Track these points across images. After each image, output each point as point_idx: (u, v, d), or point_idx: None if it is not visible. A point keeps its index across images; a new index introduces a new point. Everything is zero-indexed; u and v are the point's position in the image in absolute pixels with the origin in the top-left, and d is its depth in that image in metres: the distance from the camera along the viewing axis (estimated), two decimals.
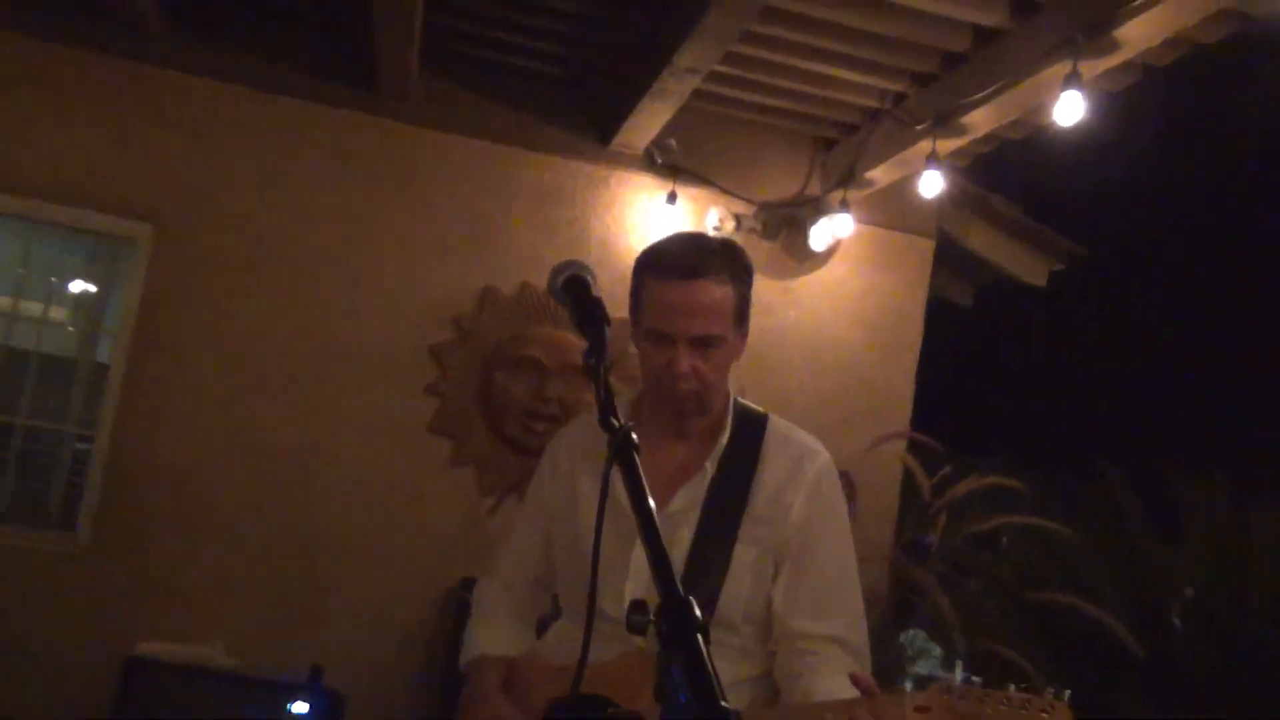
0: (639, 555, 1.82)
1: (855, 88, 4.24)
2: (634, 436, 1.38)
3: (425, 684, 4.41)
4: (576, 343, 4.60)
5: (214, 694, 3.58)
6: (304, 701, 3.60)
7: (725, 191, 4.78)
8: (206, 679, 3.63)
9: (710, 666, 1.08)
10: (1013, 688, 1.43)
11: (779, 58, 4.06)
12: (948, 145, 3.89)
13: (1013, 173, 4.76)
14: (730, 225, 4.75)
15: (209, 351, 4.41)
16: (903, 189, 4.60)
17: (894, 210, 4.87)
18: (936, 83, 3.93)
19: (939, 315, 5.43)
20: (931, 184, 3.83)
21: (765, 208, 4.83)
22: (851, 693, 1.60)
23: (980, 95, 3.57)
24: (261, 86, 4.47)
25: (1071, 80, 3.04)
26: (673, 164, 4.71)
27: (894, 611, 3.82)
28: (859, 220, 4.68)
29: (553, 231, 4.70)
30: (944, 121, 3.77)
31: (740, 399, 2.00)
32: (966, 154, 4.56)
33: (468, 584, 4.39)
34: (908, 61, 3.92)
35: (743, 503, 1.88)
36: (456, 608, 4.35)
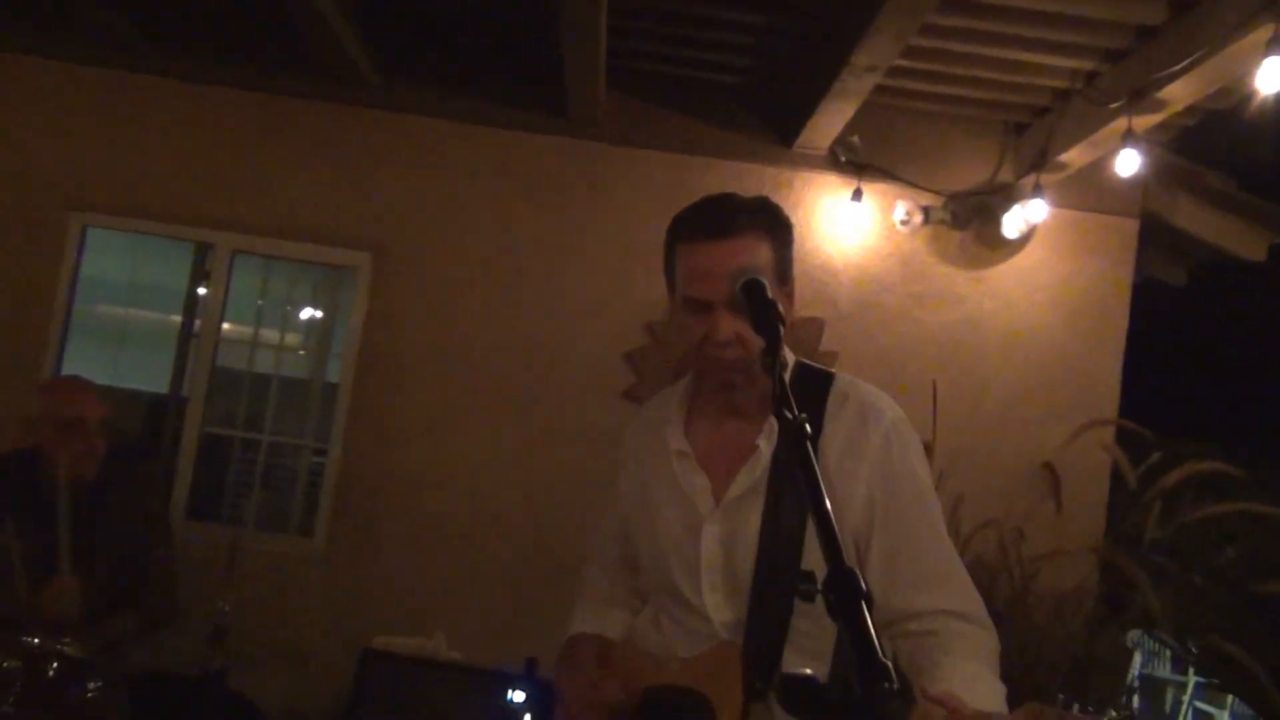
0: (709, 542, 1.79)
1: (1044, 70, 4.13)
2: (808, 428, 1.37)
3: None
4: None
5: (440, 683, 3.85)
6: (521, 690, 3.81)
7: (912, 184, 4.74)
8: (434, 670, 3.91)
9: (873, 633, 1.11)
10: (1112, 713, 1.38)
11: (961, 47, 4.01)
12: (1144, 121, 3.73)
13: (1222, 145, 4.50)
14: (919, 218, 4.71)
15: (426, 367, 4.74)
16: (1100, 170, 4.43)
17: (1092, 192, 4.70)
18: (1129, 58, 3.79)
19: (1150, 297, 5.19)
20: (1129, 162, 3.69)
21: (955, 198, 4.76)
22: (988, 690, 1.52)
23: (1176, 68, 3.41)
24: (465, 120, 4.78)
25: (1274, 45, 2.89)
26: (857, 161, 4.71)
27: (1106, 608, 3.68)
28: (1055, 205, 4.54)
29: None
30: (1139, 97, 3.63)
31: (805, 360, 1.88)
32: (1168, 128, 4.35)
33: None
34: (1098, 39, 3.79)
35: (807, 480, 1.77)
36: None
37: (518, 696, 3.83)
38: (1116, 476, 4.38)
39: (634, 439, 2.05)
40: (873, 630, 1.13)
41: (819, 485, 1.34)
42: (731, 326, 1.71)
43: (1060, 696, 1.41)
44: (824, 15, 3.87)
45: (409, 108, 4.77)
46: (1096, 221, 4.81)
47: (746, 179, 4.79)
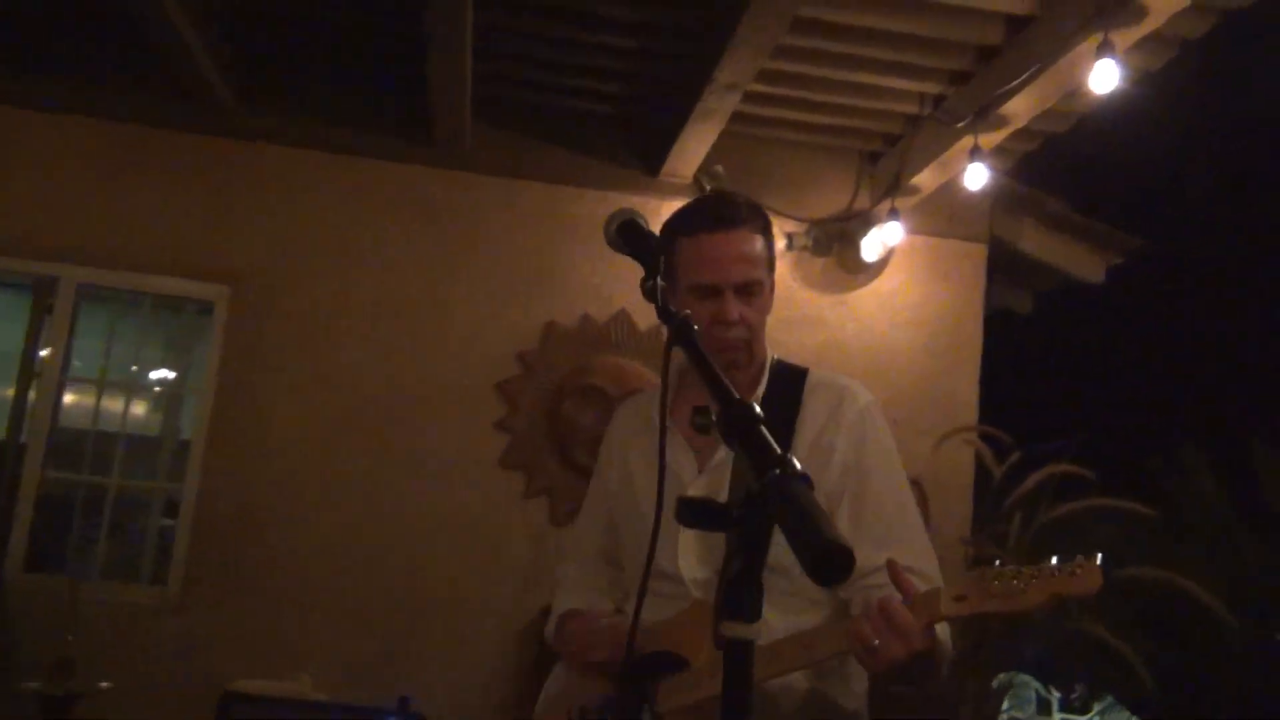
0: None
1: (894, 94, 4.34)
2: (694, 325, 1.45)
3: (509, 713, 4.44)
4: (639, 370, 4.70)
5: None
6: None
7: (775, 212, 4.85)
8: (300, 708, 3.69)
9: (769, 440, 1.20)
10: (1055, 560, 1.47)
11: (816, 70, 4.18)
12: (991, 140, 3.94)
13: (1061, 170, 4.79)
14: (783, 243, 4.83)
15: (289, 402, 4.58)
16: (951, 194, 4.66)
17: (944, 217, 4.92)
18: (974, 79, 4.01)
19: (999, 326, 5.43)
20: (976, 177, 3.88)
21: (816, 224, 4.91)
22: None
23: (1016, 83, 3.63)
24: (329, 148, 4.70)
25: (1104, 49, 3.10)
26: (721, 189, 4.82)
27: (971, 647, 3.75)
28: (910, 230, 4.74)
29: (609, 263, 4.81)
30: (984, 115, 3.84)
31: (779, 357, 2.02)
32: (1012, 153, 4.61)
33: (546, 614, 4.43)
34: (943, 61, 4.01)
35: (785, 449, 1.90)
36: (537, 638, 4.39)
37: None
38: (979, 489, 4.52)
39: (619, 425, 2.12)
40: (768, 438, 1.20)
41: (723, 385, 1.38)
42: (737, 309, 1.86)
43: (998, 560, 1.50)
44: (687, 37, 3.98)
45: (270, 135, 4.67)
46: (949, 247, 5.03)
47: (614, 208, 4.83)
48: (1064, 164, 4.58)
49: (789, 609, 1.82)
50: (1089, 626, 3.43)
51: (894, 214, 4.56)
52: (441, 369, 4.68)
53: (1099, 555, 1.43)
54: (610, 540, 2.12)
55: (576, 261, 4.82)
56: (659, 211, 4.86)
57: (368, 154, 4.73)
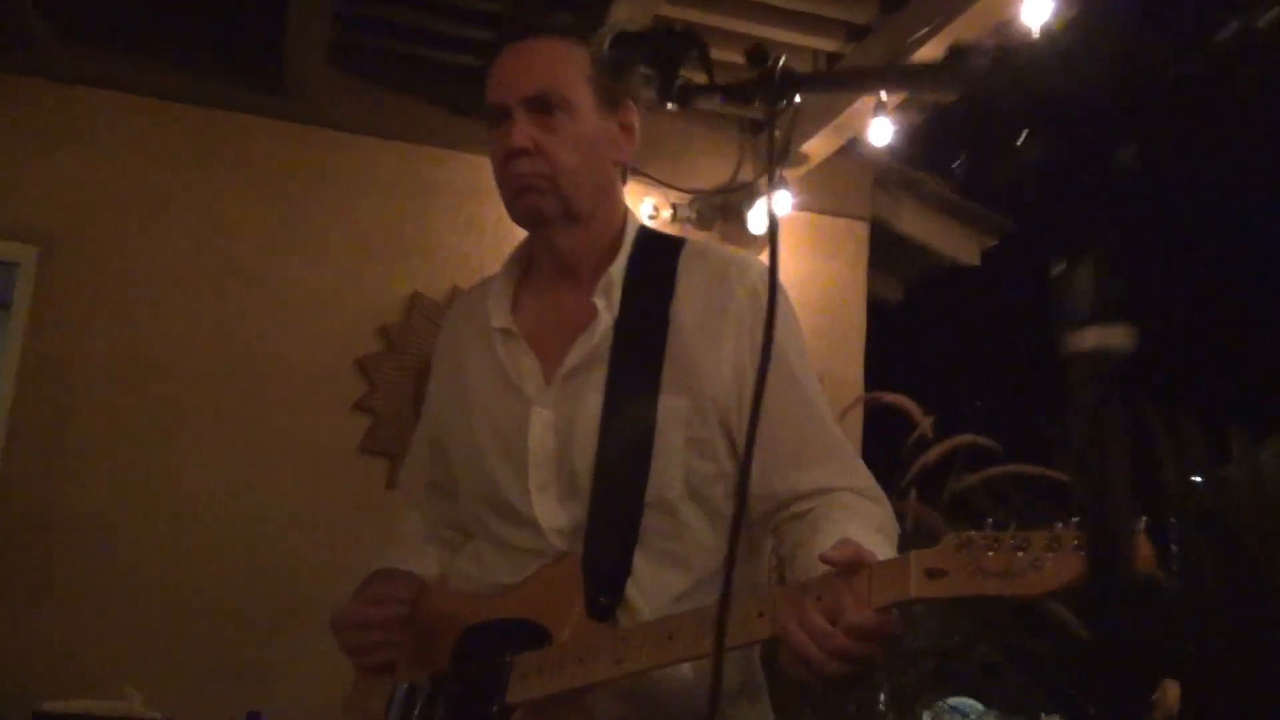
0: (539, 429, 1.51)
1: (787, 50, 4.14)
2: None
3: None
4: None
5: None
6: None
7: (658, 182, 4.60)
8: None
9: None
10: (1060, 526, 1.09)
11: (705, 19, 3.93)
12: (893, 100, 3.79)
13: (939, 147, 4.72)
14: (668, 213, 4.57)
15: (110, 381, 3.97)
16: (837, 169, 4.51)
17: (829, 194, 4.76)
18: (872, 34, 3.86)
19: (878, 307, 5.32)
20: (881, 132, 3.72)
21: (700, 196, 4.67)
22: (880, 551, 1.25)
23: (923, 33, 3.48)
24: (161, 95, 4.13)
25: None
26: None
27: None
28: (796, 208, 4.55)
29: (480, 232, 4.43)
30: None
31: (650, 227, 1.65)
32: (915, 111, 4.43)
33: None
34: (842, 12, 3.84)
35: (659, 345, 1.48)
36: None
37: None
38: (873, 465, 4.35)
39: (449, 331, 1.76)
40: None
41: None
42: (527, 132, 1.49)
43: (989, 520, 1.12)
44: None
45: (91, 78, 4.07)
46: (834, 224, 4.88)
47: (483, 172, 4.43)
48: (942, 141, 4.50)
49: (676, 556, 1.47)
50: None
51: (782, 182, 4.36)
52: (290, 344, 4.17)
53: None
54: (439, 472, 1.72)
55: (443, 230, 4.41)
56: None
57: (207, 102, 4.18)
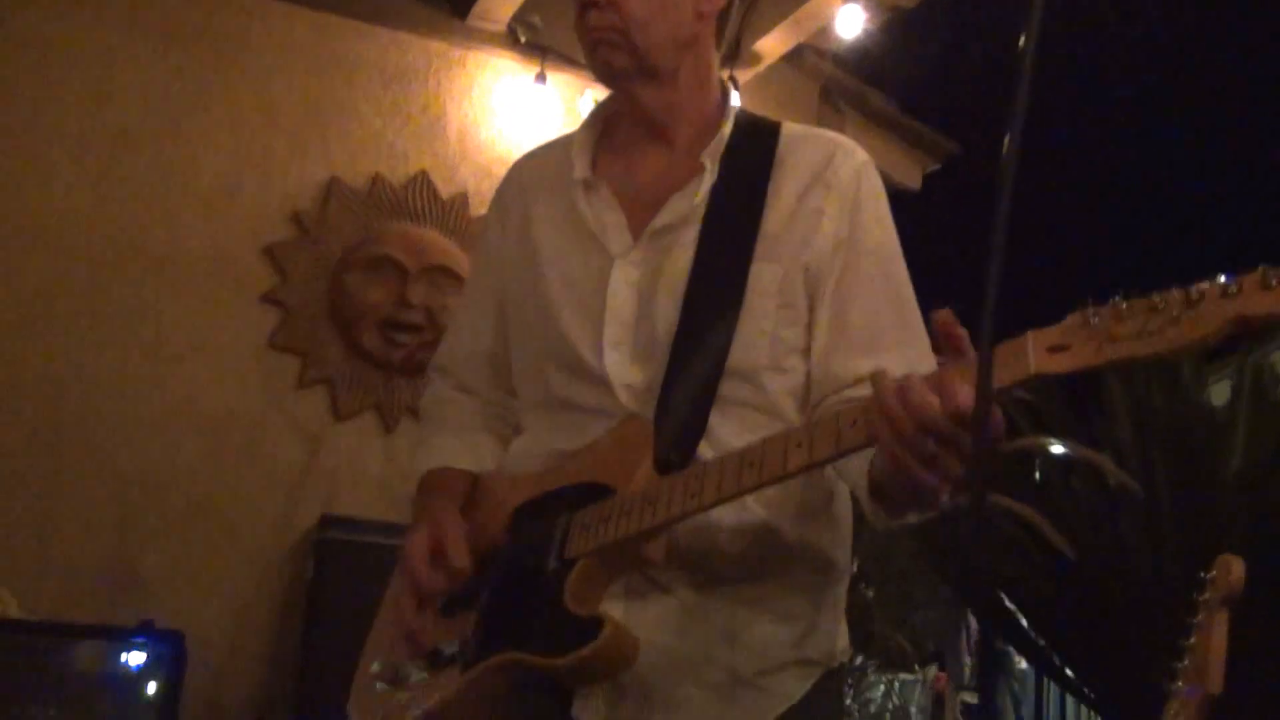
0: (619, 286, 1.42)
1: None
2: None
3: (279, 644, 3.64)
4: (439, 241, 4.02)
5: (14, 648, 2.72)
6: (138, 652, 2.80)
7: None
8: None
9: None
10: (1221, 279, 0.94)
11: None
12: None
13: (886, 62, 4.54)
14: None
15: None
16: (784, 77, 4.30)
17: (773, 103, 4.53)
18: None
19: None
20: (851, 22, 3.51)
21: None
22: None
23: None
24: None
25: None
26: (539, 43, 4.21)
27: None
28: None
29: (405, 117, 4.08)
30: None
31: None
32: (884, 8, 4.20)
33: (327, 523, 3.69)
34: None
35: (757, 212, 1.41)
36: (315, 553, 3.63)
37: (134, 659, 2.81)
38: None
39: (513, 188, 1.62)
40: None
41: None
42: None
43: (1116, 299, 0.97)
44: None
45: None
46: None
47: (411, 52, 4.12)
48: (889, 55, 4.32)
49: (743, 425, 1.37)
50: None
51: (733, 83, 4.11)
52: (189, 226, 3.77)
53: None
54: (503, 342, 1.59)
55: (365, 113, 4.04)
56: (463, 63, 4.19)
57: None
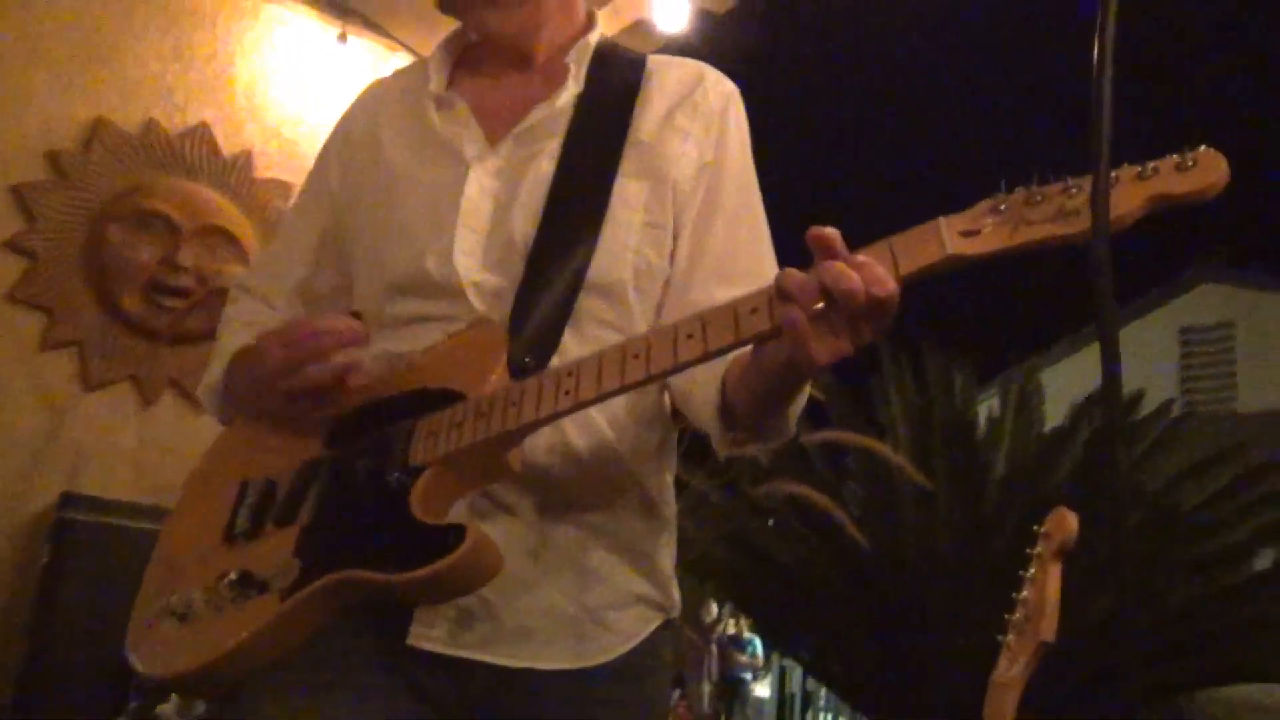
0: (474, 191, 1.34)
1: None
2: None
3: (6, 638, 3.19)
4: (217, 200, 3.71)
5: None
6: None
7: (403, 45, 4.12)
8: None
9: None
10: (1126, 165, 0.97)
11: None
12: None
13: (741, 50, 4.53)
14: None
15: None
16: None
17: None
18: None
19: None
20: (673, 14, 3.49)
21: None
22: None
23: None
24: None
25: None
26: (341, 3, 3.98)
27: None
28: None
29: (187, 63, 3.74)
30: None
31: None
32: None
33: (69, 502, 3.28)
34: None
35: (624, 125, 1.37)
36: (53, 534, 3.21)
37: None
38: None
39: (359, 112, 1.53)
40: None
41: None
42: None
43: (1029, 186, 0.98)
44: None
45: None
46: None
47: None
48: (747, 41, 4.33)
49: (598, 344, 1.26)
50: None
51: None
52: None
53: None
54: (320, 272, 1.51)
55: (143, 53, 3.67)
56: (257, 13, 3.91)
57: None
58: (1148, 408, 3.96)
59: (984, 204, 1.00)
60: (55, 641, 3.08)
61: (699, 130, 1.38)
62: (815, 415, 3.80)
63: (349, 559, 1.14)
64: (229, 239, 3.65)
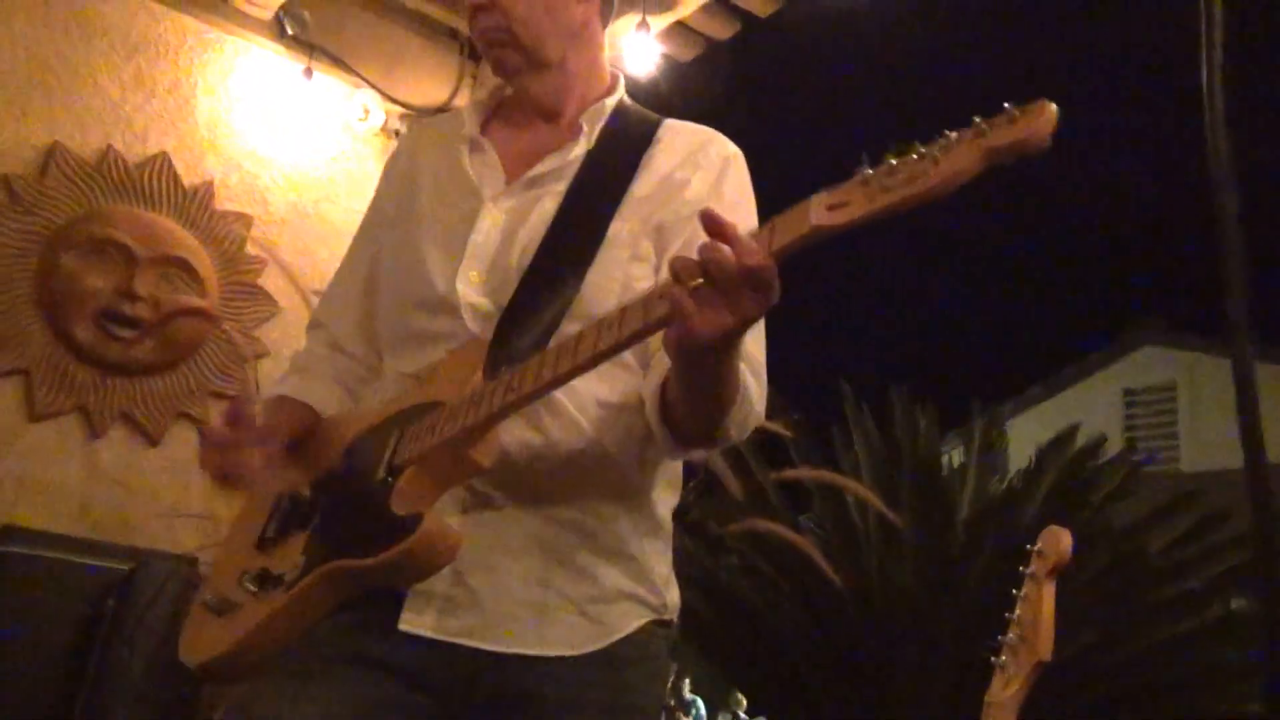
0: (486, 225, 1.47)
1: None
2: None
3: None
4: (174, 230, 3.64)
5: None
6: None
7: (370, 84, 4.10)
8: None
9: None
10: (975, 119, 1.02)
11: None
12: (660, 21, 3.59)
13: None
14: (379, 119, 4.09)
15: None
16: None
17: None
18: None
19: None
20: (643, 55, 3.50)
21: (418, 114, 4.21)
22: None
23: None
24: None
25: None
26: (306, 40, 3.96)
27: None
28: None
29: (149, 92, 3.69)
30: None
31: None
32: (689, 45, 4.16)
33: (8, 535, 3.15)
34: None
35: (627, 179, 1.49)
36: None
37: None
38: None
39: (404, 154, 1.68)
40: None
41: None
42: None
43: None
44: None
45: None
46: None
47: (164, 23, 3.76)
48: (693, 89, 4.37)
49: (598, 371, 1.32)
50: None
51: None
52: None
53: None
54: (371, 301, 1.62)
55: (103, 80, 3.62)
56: (222, 46, 3.88)
57: None
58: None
59: (853, 179, 1.06)
60: None
61: (697, 180, 1.49)
62: (780, 457, 3.78)
63: (340, 551, 1.29)
64: (187, 269, 3.58)
